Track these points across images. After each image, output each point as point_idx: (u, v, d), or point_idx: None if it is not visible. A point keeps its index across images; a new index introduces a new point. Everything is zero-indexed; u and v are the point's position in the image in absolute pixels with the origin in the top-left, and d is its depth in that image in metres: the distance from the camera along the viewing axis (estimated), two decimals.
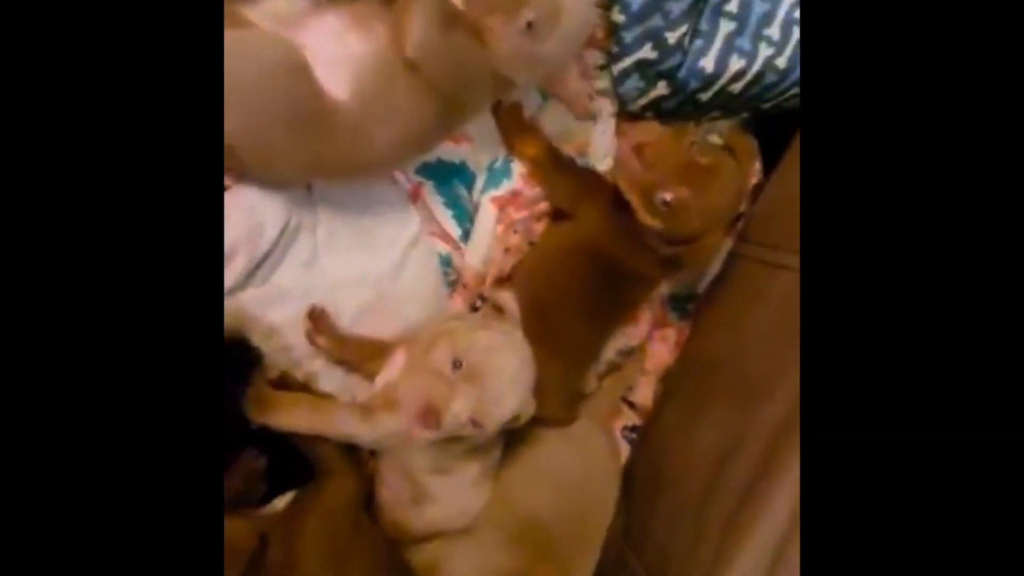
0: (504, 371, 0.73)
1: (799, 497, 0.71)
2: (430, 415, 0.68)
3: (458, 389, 0.69)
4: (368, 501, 0.86)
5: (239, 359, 0.74)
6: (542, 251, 0.92)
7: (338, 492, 0.78)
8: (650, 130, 0.86)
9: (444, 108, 0.71)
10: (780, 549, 0.70)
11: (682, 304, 1.08)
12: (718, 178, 0.81)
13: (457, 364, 0.71)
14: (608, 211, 0.86)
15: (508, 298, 0.87)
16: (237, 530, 0.71)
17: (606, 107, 0.96)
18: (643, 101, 0.93)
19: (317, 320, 0.81)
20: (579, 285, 0.89)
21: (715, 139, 0.85)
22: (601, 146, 0.95)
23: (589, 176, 0.92)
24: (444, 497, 0.84)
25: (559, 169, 0.89)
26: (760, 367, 0.83)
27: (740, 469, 0.78)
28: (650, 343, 1.08)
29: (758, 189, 1.02)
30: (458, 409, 0.69)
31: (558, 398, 0.92)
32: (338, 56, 0.68)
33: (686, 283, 1.08)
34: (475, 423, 0.71)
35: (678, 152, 0.81)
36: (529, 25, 0.66)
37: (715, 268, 1.06)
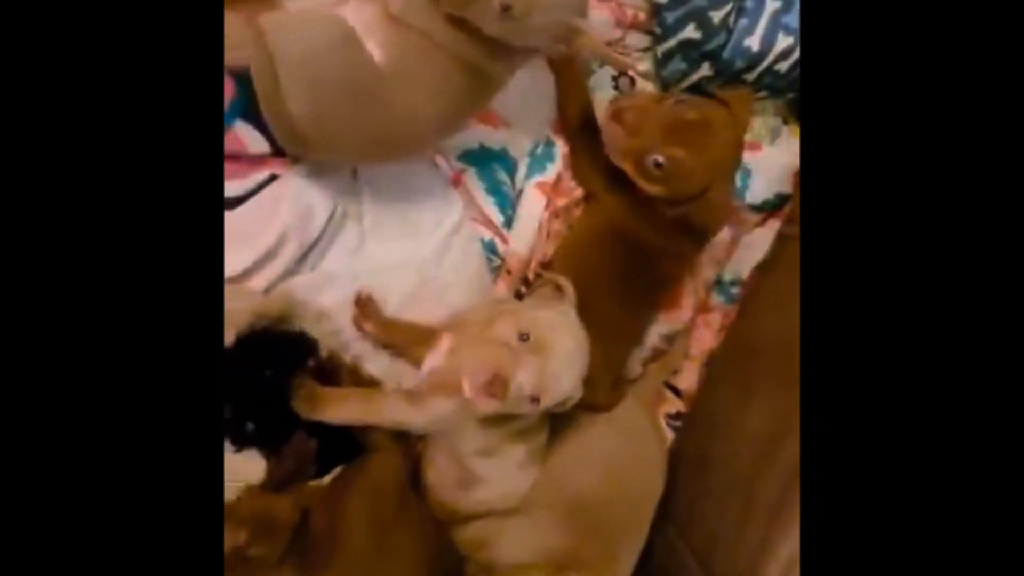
0: (566, 348, 0.73)
1: None
2: (497, 384, 0.68)
3: (524, 359, 0.70)
4: (415, 482, 0.88)
5: (294, 348, 0.76)
6: (576, 236, 0.93)
7: (383, 468, 0.79)
8: (632, 96, 0.84)
9: (469, 75, 0.71)
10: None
11: (728, 288, 1.07)
12: (709, 131, 0.80)
13: (524, 337, 0.72)
14: (625, 189, 0.86)
15: (565, 281, 0.86)
16: (281, 505, 0.73)
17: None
18: (686, 83, 0.93)
19: (363, 306, 0.83)
20: (612, 268, 0.89)
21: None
22: None
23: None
24: (491, 479, 0.85)
25: (585, 143, 0.89)
26: (789, 343, 0.82)
27: (787, 453, 0.78)
28: (695, 328, 1.07)
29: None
30: (523, 379, 0.70)
31: (602, 384, 0.92)
32: (369, 26, 0.69)
33: (732, 268, 1.07)
34: (534, 398, 0.72)
35: (662, 112, 0.79)
36: (505, 8, 0.65)
37: (761, 252, 1.05)
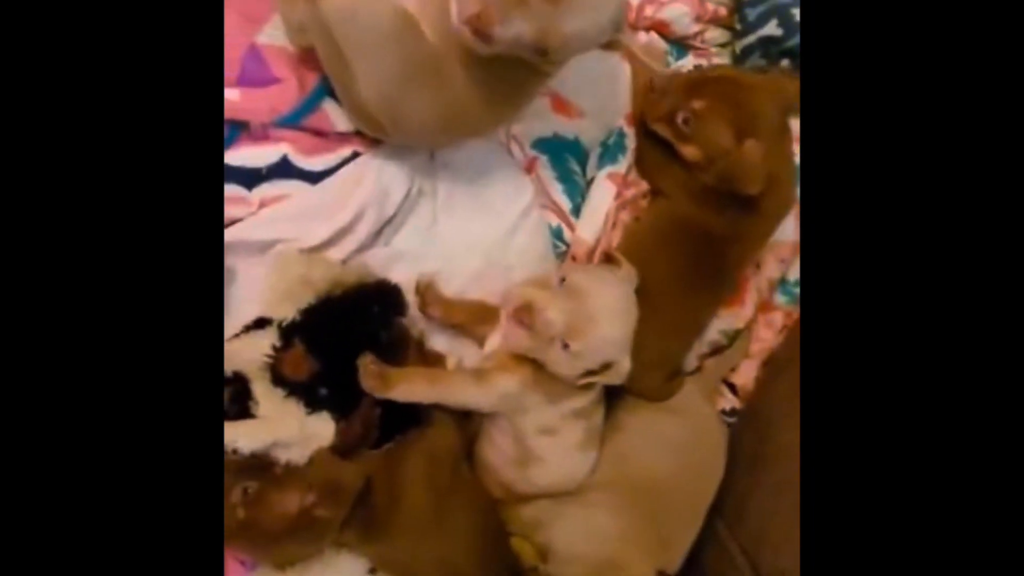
0: (603, 296, 0.76)
1: None
2: (526, 312, 0.72)
3: (558, 299, 0.73)
4: (470, 460, 0.91)
5: (388, 308, 0.80)
6: (641, 227, 0.94)
7: (440, 438, 0.82)
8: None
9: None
10: None
11: (791, 289, 1.07)
12: (733, 85, 0.81)
13: (562, 280, 0.75)
14: (686, 179, 0.87)
15: (621, 257, 0.88)
16: (348, 471, 0.76)
17: None
18: None
19: (424, 292, 0.86)
20: (675, 260, 0.90)
21: None
22: None
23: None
24: (550, 459, 0.87)
25: (649, 136, 0.90)
26: None
27: None
28: (756, 326, 1.07)
29: None
30: (553, 315, 0.72)
31: (658, 372, 0.93)
32: (423, 7, 0.71)
33: (797, 268, 1.06)
34: (565, 343, 0.74)
35: (689, 74, 0.82)
36: (541, 53, 0.67)
37: None
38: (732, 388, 1.08)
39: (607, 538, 0.89)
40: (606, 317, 0.76)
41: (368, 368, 0.77)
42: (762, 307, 1.07)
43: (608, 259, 0.92)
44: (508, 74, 0.74)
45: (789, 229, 1.04)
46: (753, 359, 1.07)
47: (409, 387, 0.80)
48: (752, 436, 0.97)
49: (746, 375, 1.07)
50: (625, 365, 0.80)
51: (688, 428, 0.96)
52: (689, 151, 0.84)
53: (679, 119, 0.82)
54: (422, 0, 0.72)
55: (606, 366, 0.79)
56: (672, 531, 0.91)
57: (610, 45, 0.72)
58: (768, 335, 1.07)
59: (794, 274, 1.07)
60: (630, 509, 0.89)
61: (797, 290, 1.06)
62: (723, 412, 1.06)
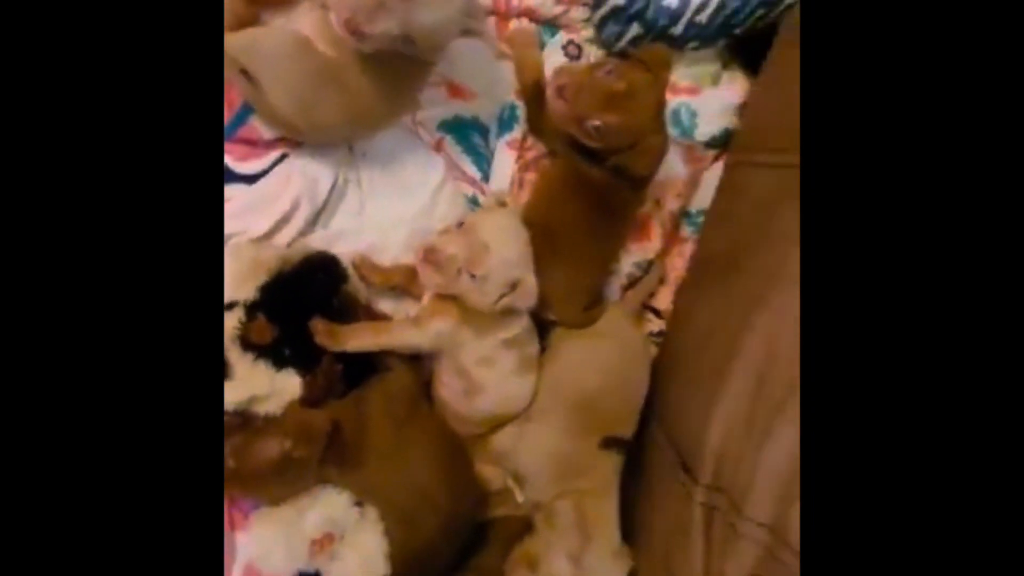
0: (492, 225, 0.92)
1: (768, 343, 0.85)
2: (431, 254, 0.90)
3: (456, 238, 0.90)
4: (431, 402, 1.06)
5: (331, 275, 0.95)
6: (544, 183, 1.09)
7: (396, 380, 0.98)
8: (568, 70, 0.98)
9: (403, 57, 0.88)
10: (760, 379, 0.84)
11: (696, 219, 1.22)
12: (635, 97, 0.94)
13: (459, 224, 0.92)
14: (573, 143, 1.01)
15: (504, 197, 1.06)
16: (316, 416, 0.91)
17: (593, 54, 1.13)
18: (622, 43, 1.09)
19: (360, 267, 1.02)
20: (575, 207, 1.05)
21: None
22: None
23: None
24: (490, 386, 1.01)
25: (539, 106, 1.05)
26: (737, 249, 0.97)
27: (725, 333, 0.93)
28: (669, 256, 1.22)
29: (743, 107, 1.16)
30: (454, 251, 0.89)
31: (574, 303, 1.09)
32: (318, 29, 0.87)
33: (699, 201, 1.21)
34: (470, 272, 0.90)
35: (595, 85, 0.94)
36: (408, 43, 0.82)
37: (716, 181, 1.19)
38: (657, 313, 1.23)
39: (560, 456, 1.04)
40: (498, 241, 0.91)
41: (318, 328, 0.93)
42: (672, 240, 1.22)
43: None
44: (398, 69, 0.91)
45: (679, 167, 1.20)
46: (670, 285, 1.22)
47: (357, 339, 0.95)
48: (668, 345, 1.13)
49: (666, 300, 1.22)
50: (530, 281, 0.95)
51: (615, 348, 1.11)
52: (593, 144, 0.99)
53: (588, 126, 0.95)
54: (318, 21, 0.89)
55: (513, 286, 0.94)
56: (614, 429, 1.06)
57: (471, 32, 0.89)
58: (680, 263, 1.22)
59: (695, 205, 1.22)
60: (578, 419, 1.03)
61: (701, 219, 1.21)
62: (652, 334, 1.21)
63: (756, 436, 0.82)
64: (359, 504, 0.98)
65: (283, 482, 0.92)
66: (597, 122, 0.95)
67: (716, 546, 0.86)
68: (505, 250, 0.92)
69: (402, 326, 1.00)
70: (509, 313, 0.97)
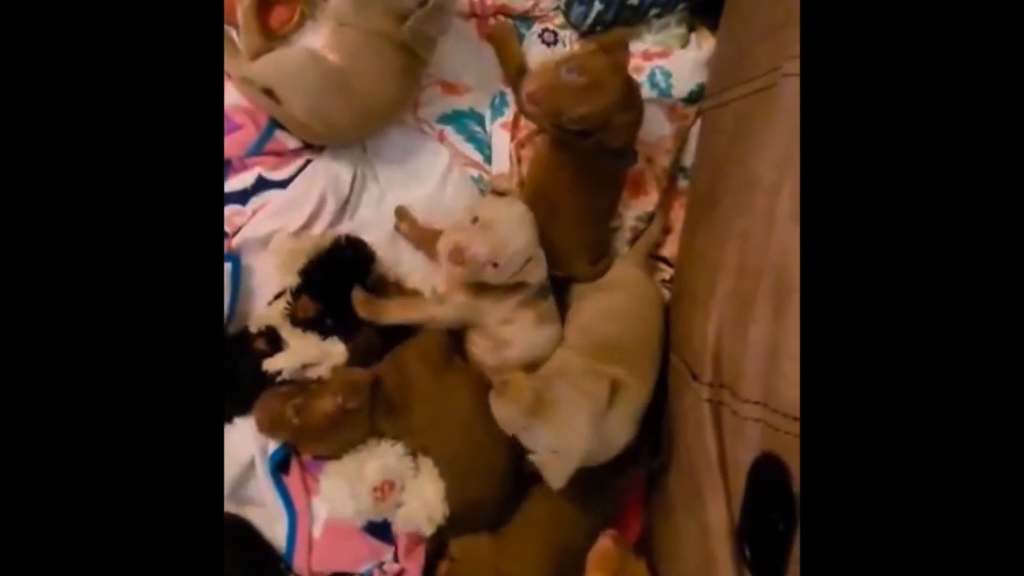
0: (508, 220, 1.04)
1: (742, 242, 0.94)
2: (457, 253, 1.00)
3: (476, 234, 1.01)
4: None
5: (359, 251, 1.10)
6: (539, 156, 1.21)
7: (429, 336, 1.11)
8: (534, 77, 1.09)
9: (403, 57, 1.05)
10: (739, 275, 0.93)
11: (690, 172, 1.32)
12: (599, 86, 1.05)
13: (474, 220, 1.03)
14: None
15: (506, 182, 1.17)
16: (360, 373, 1.05)
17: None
18: (589, 21, 1.22)
19: (400, 213, 1.17)
20: (569, 174, 1.17)
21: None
22: None
23: None
24: (515, 339, 1.13)
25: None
26: (716, 180, 1.07)
27: (713, 250, 1.02)
28: (671, 208, 1.33)
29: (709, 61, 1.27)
30: (477, 248, 1.00)
31: (580, 259, 1.20)
32: (327, 42, 1.05)
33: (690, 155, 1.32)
34: (493, 262, 1.02)
35: (560, 85, 1.05)
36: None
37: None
38: (667, 262, 1.33)
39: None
40: (514, 234, 1.04)
41: (359, 299, 1.08)
42: (671, 193, 1.33)
43: (521, 186, 1.22)
44: (400, 66, 1.07)
45: (664, 125, 1.31)
46: (674, 233, 1.32)
47: (391, 314, 1.10)
48: (677, 281, 1.22)
49: (673, 249, 1.31)
50: (539, 256, 1.09)
51: (627, 296, 1.21)
52: (572, 128, 1.10)
53: (564, 120, 1.07)
54: (326, 36, 1.07)
55: (526, 263, 1.07)
56: (638, 368, 1.15)
57: None
58: (681, 213, 1.32)
59: (687, 160, 1.32)
60: (603, 362, 1.12)
61: None
62: (663, 282, 1.30)
63: (740, 326, 0.90)
64: (413, 455, 1.10)
65: (341, 433, 1.05)
66: (571, 115, 1.06)
67: (726, 436, 0.94)
68: (521, 239, 1.05)
69: (428, 303, 1.14)
70: (519, 284, 1.10)
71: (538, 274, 1.09)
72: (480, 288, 1.10)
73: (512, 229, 1.04)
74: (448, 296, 1.13)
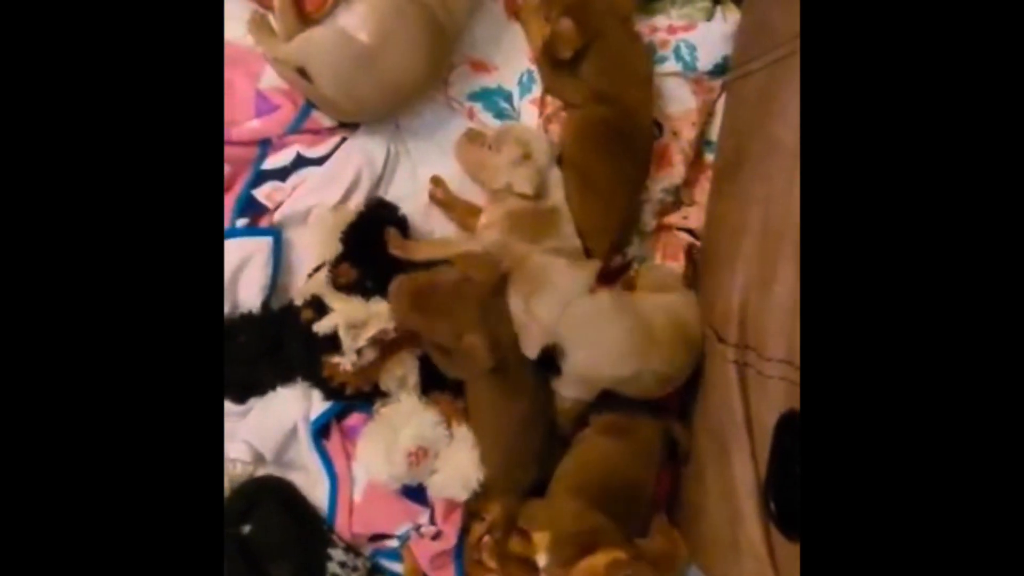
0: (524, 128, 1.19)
1: (765, 206, 0.97)
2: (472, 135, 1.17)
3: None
4: None
5: (391, 212, 1.15)
6: (567, 131, 1.24)
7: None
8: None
9: (431, 31, 1.09)
10: (763, 237, 0.95)
11: (715, 146, 1.34)
12: (586, 6, 1.13)
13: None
14: (582, 89, 1.19)
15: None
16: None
17: None
18: None
19: (436, 181, 1.21)
20: (597, 145, 1.20)
21: None
22: None
23: None
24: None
25: (550, 65, 1.22)
26: (740, 148, 1.10)
27: (737, 215, 1.05)
28: (697, 182, 1.35)
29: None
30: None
31: (609, 230, 1.22)
32: (356, 19, 1.09)
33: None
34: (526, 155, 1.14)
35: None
36: None
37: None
38: (693, 233, 1.35)
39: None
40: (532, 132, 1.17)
41: (392, 237, 1.12)
42: (699, 167, 1.35)
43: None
44: (427, 40, 1.11)
45: (689, 99, 1.33)
46: (701, 205, 1.34)
47: (423, 251, 1.13)
48: (704, 248, 1.25)
49: (698, 219, 1.33)
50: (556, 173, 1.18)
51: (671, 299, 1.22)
52: (566, 53, 1.17)
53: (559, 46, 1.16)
54: (355, 13, 1.10)
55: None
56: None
57: None
58: (707, 186, 1.34)
59: (713, 135, 1.34)
60: (641, 337, 1.15)
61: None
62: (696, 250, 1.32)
63: (764, 286, 0.93)
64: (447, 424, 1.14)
65: (454, 317, 1.07)
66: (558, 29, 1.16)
67: (752, 395, 0.97)
68: (542, 141, 1.14)
69: (461, 239, 1.19)
70: (551, 224, 1.14)
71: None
72: (510, 226, 1.14)
73: (532, 133, 1.16)
74: (480, 232, 1.16)
